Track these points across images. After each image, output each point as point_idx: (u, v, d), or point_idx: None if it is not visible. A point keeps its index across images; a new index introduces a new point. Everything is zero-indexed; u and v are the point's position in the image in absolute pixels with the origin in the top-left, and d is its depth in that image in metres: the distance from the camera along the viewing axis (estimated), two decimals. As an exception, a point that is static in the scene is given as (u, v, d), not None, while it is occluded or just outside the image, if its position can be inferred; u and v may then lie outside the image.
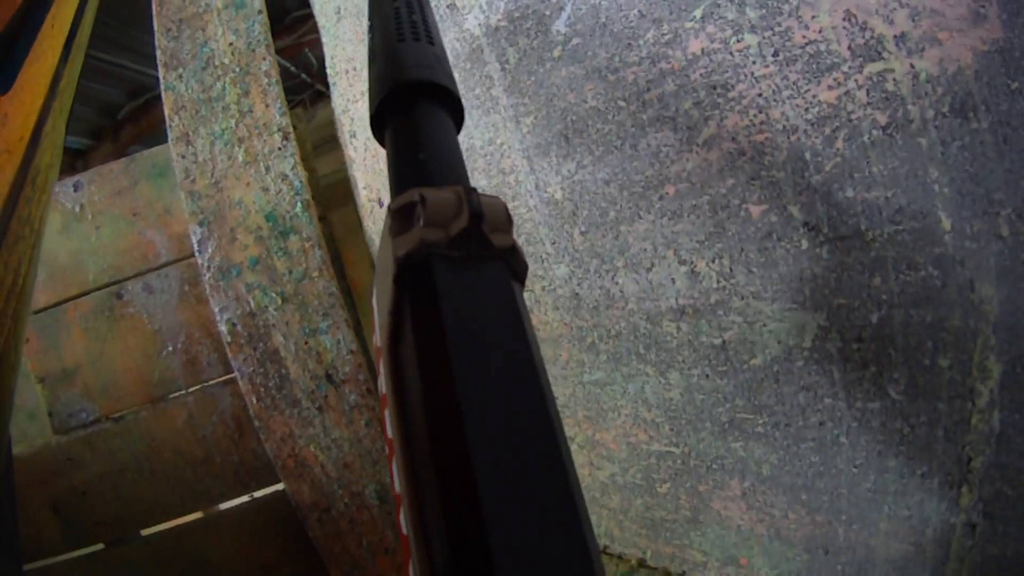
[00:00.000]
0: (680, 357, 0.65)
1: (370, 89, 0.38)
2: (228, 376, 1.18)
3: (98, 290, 1.19)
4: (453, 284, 0.23)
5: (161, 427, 1.19)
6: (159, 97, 3.11)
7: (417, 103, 0.36)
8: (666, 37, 0.55)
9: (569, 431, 0.82)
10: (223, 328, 1.02)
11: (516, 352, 0.23)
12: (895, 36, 0.45)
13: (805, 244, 0.52)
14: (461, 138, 0.75)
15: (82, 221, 1.20)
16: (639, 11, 0.56)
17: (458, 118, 0.38)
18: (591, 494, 0.84)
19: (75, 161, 3.44)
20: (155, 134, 3.31)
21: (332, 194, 2.07)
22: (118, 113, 3.26)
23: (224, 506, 1.24)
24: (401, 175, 0.31)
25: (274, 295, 1.02)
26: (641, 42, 0.57)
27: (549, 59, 0.64)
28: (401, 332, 0.23)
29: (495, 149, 0.73)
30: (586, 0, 0.60)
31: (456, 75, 0.75)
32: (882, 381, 0.53)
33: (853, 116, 0.48)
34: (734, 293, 0.58)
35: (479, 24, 0.70)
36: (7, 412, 0.90)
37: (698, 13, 0.53)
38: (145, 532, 1.26)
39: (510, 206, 0.75)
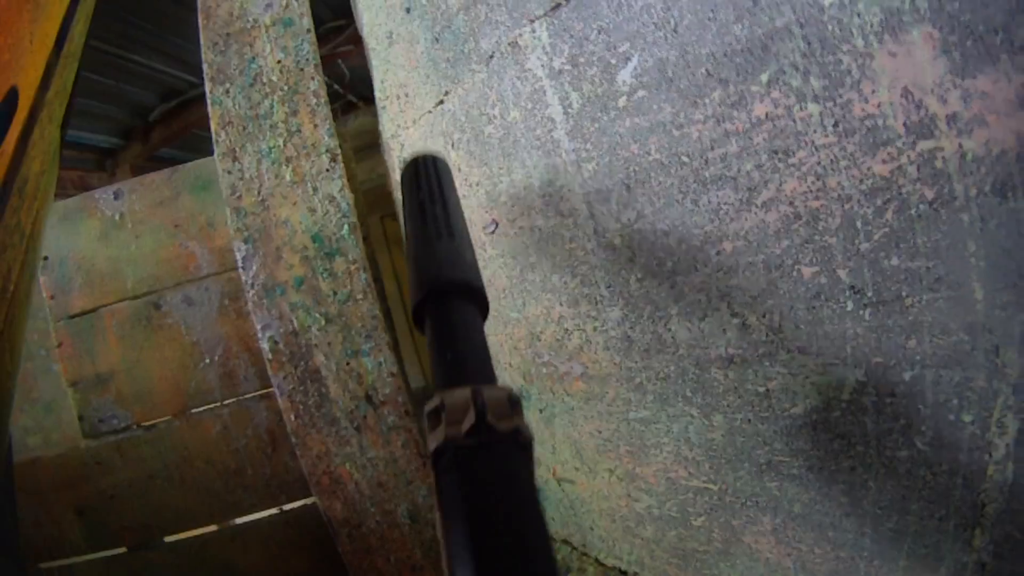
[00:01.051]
0: (725, 402, 0.72)
1: (410, 287, 0.54)
2: (264, 390, 1.26)
3: (136, 299, 1.28)
4: (468, 466, 0.38)
5: (194, 437, 1.27)
6: (191, 101, 3.23)
7: (448, 301, 0.51)
8: (732, 98, 0.62)
9: (610, 464, 0.89)
10: (265, 345, 1.10)
11: (519, 507, 0.36)
12: (947, 115, 0.52)
13: (850, 306, 0.60)
14: (520, 176, 0.83)
15: (122, 229, 1.29)
16: (706, 70, 0.63)
17: (483, 305, 0.53)
18: (626, 523, 0.92)
19: (104, 160, 3.59)
20: (186, 137, 3.46)
21: (364, 200, 2.16)
22: (149, 115, 3.43)
23: (251, 517, 1.32)
24: (436, 375, 0.46)
25: (318, 315, 1.10)
26: (707, 100, 0.64)
27: (614, 108, 0.72)
28: (441, 500, 0.37)
29: (554, 191, 0.81)
30: (653, 53, 0.67)
31: (516, 114, 0.82)
32: (910, 433, 0.60)
33: (903, 189, 0.55)
34: (781, 346, 0.65)
35: (542, 65, 0.78)
36: (6, 412, 0.98)
37: (764, 78, 0.60)
38: (170, 539, 1.35)
39: (567, 248, 0.82)
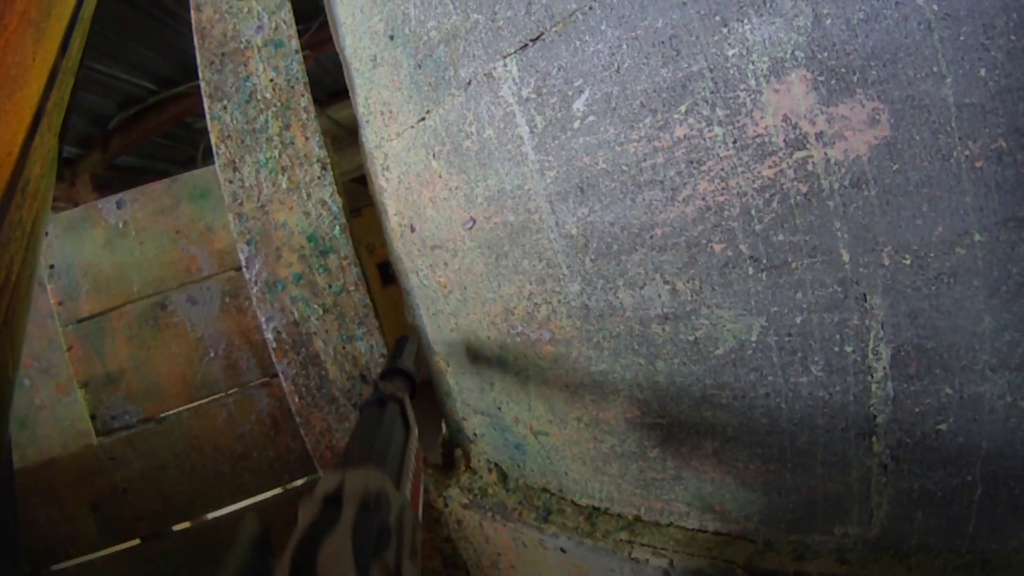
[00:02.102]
0: (664, 350, 0.96)
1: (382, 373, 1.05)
2: (266, 379, 1.44)
3: (143, 300, 1.44)
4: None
5: (202, 426, 1.45)
6: (150, 108, 3.29)
7: (392, 378, 1.00)
8: (659, 123, 0.86)
9: (577, 412, 1.13)
10: (269, 336, 1.29)
11: None
12: (816, 133, 0.75)
13: (751, 271, 0.84)
14: (493, 182, 1.05)
15: (126, 237, 1.45)
16: (641, 102, 0.87)
17: (412, 382, 1.02)
18: (595, 464, 1.16)
19: (64, 170, 3.59)
20: (145, 145, 3.51)
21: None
22: (108, 123, 3.45)
23: (257, 498, 1.49)
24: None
25: (316, 306, 1.30)
26: (641, 124, 0.87)
27: (570, 129, 0.94)
28: None
29: (523, 193, 1.04)
30: (601, 88, 0.90)
31: (490, 132, 1.04)
32: (807, 363, 0.84)
33: (784, 186, 0.78)
34: (703, 304, 0.90)
35: (512, 93, 1.00)
36: (6, 405, 1.13)
37: (683, 108, 0.83)
38: (181, 527, 1.51)
39: (534, 237, 1.05)
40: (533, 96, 0.98)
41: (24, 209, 1.07)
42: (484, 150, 1.08)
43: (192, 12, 1.36)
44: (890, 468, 0.82)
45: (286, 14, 1.34)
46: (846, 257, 0.77)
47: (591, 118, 0.92)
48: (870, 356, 0.79)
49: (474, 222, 1.14)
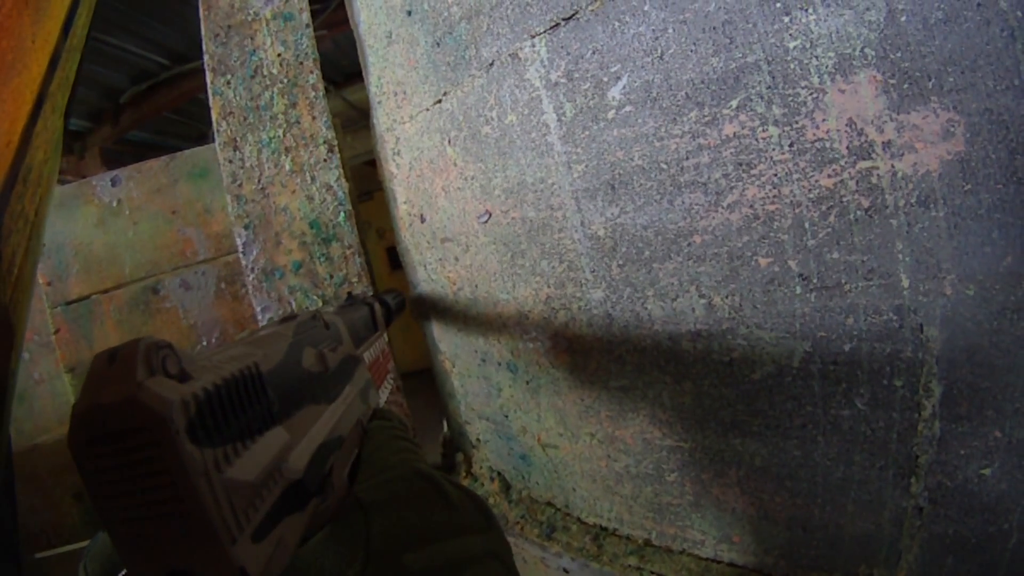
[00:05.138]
0: (694, 370, 0.86)
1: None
2: (260, 369, 1.34)
3: (134, 283, 1.34)
4: None
5: (191, 415, 1.35)
6: (162, 83, 3.20)
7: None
8: (706, 118, 0.75)
9: (591, 428, 1.03)
10: (264, 325, 1.19)
11: None
12: (883, 142, 0.66)
13: (799, 290, 0.74)
14: (514, 173, 0.95)
15: (119, 216, 1.34)
16: (686, 93, 0.76)
17: (389, 309, 1.02)
18: (606, 483, 1.06)
19: (73, 143, 3.52)
20: (156, 120, 3.42)
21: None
22: (120, 97, 3.38)
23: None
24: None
25: (315, 297, 1.19)
26: (685, 118, 0.77)
27: (603, 119, 0.84)
28: None
29: (546, 187, 0.93)
30: (640, 75, 0.79)
31: (513, 118, 0.94)
32: (851, 395, 0.75)
33: (844, 199, 0.69)
34: (741, 323, 0.80)
35: (539, 76, 0.90)
36: (8, 399, 1.05)
37: (734, 103, 0.73)
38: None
39: (555, 237, 0.95)
40: (563, 81, 0.87)
41: (27, 198, 0.98)
42: (505, 137, 0.97)
43: (199, -19, 1.26)
44: (926, 511, 0.75)
45: (298, -15, 1.23)
46: (906, 283, 0.68)
47: (628, 108, 0.82)
48: (920, 392, 0.71)
49: (490, 216, 1.04)
